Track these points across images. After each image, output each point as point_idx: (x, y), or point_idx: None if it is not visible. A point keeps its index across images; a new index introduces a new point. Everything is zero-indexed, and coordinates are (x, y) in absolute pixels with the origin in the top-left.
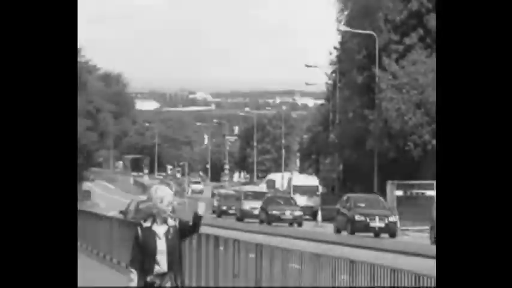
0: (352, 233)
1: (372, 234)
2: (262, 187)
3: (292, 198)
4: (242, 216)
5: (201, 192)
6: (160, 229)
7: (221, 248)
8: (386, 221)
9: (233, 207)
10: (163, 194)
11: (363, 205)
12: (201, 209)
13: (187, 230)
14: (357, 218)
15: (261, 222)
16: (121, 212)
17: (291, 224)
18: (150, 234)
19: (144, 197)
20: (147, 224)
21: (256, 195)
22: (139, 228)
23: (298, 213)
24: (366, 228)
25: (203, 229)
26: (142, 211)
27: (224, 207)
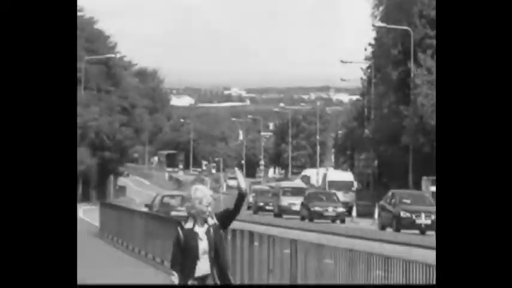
0: (397, 230)
1: (417, 231)
2: (297, 183)
3: (334, 194)
4: (280, 212)
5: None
6: (201, 230)
7: (256, 243)
8: (433, 218)
9: (270, 204)
10: (201, 194)
11: (408, 201)
12: (242, 182)
13: (228, 217)
14: (402, 214)
15: (302, 218)
16: (146, 206)
17: (333, 221)
18: (192, 236)
19: (168, 192)
20: (188, 226)
21: (295, 191)
22: (180, 230)
23: (341, 209)
24: (412, 225)
25: (243, 226)
26: (166, 205)
27: (261, 204)
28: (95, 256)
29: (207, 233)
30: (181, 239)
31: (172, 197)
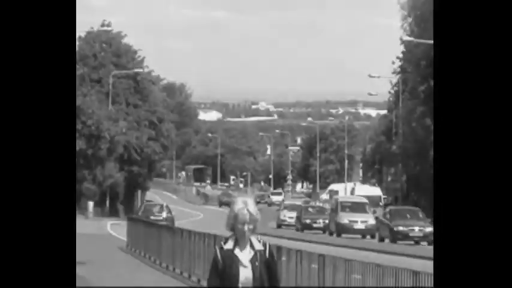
0: None
1: None
2: (357, 197)
3: (420, 210)
4: (339, 231)
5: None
6: (244, 255)
7: (283, 258)
8: None
9: (318, 221)
10: (236, 209)
11: None
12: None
13: (270, 268)
14: None
15: (381, 240)
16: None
17: (416, 242)
18: (232, 259)
19: (151, 202)
20: (228, 246)
21: (356, 207)
22: (218, 251)
23: (429, 229)
24: None
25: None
26: (147, 211)
27: (307, 221)
28: (122, 270)
29: (253, 260)
30: (219, 262)
31: (154, 205)
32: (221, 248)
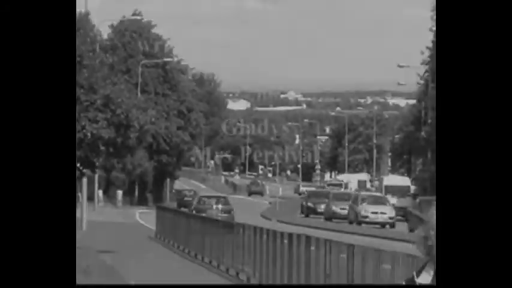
0: None
1: None
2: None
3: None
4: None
5: None
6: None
7: (312, 248)
8: None
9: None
10: None
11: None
12: None
13: None
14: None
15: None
16: None
17: None
18: None
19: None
20: (424, 280)
21: None
22: None
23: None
24: None
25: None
26: (204, 202)
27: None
28: (151, 259)
29: None
30: None
31: (209, 197)
32: (411, 282)
